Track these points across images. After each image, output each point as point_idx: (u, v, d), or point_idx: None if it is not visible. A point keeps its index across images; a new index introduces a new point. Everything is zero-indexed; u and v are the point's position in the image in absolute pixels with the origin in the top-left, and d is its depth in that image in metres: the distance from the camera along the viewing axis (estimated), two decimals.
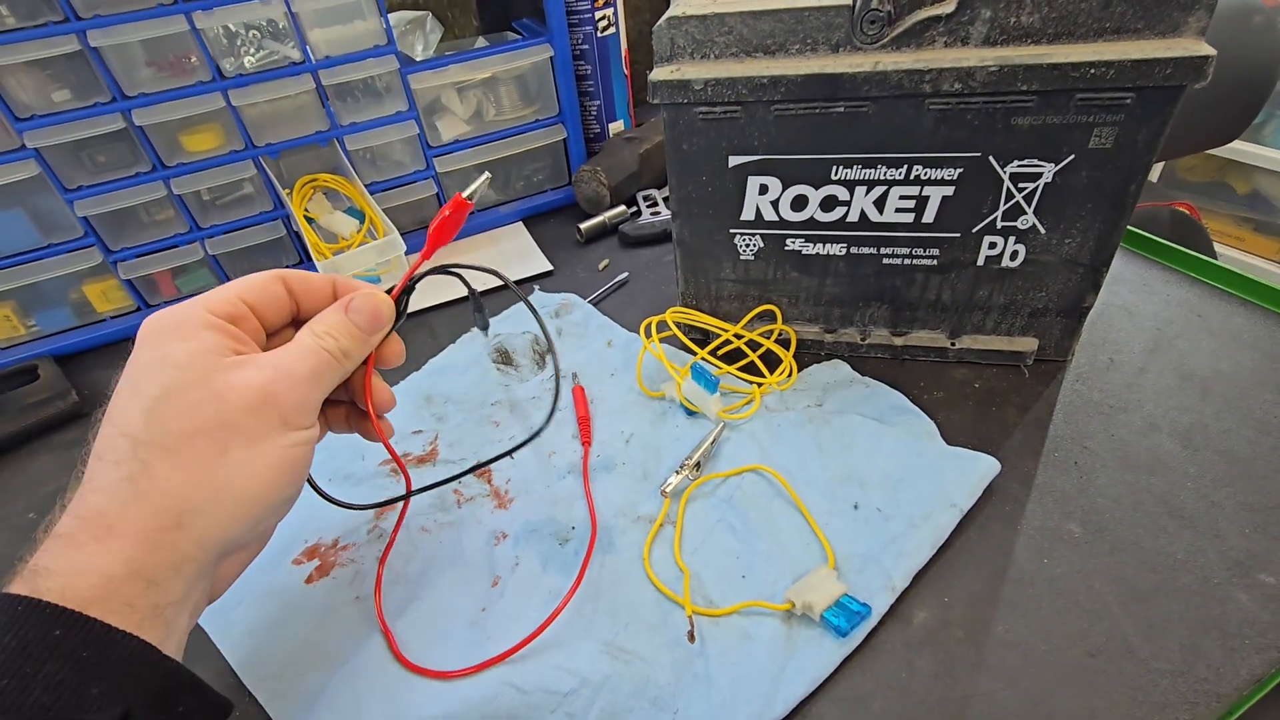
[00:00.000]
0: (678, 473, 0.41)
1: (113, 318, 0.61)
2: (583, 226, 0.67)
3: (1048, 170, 0.38)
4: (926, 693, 0.31)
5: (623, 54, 0.73)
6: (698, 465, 0.41)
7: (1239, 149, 1.50)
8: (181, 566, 0.24)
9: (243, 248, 0.62)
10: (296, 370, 0.27)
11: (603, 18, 0.69)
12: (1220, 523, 0.36)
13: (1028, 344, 0.46)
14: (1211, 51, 0.33)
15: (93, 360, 0.59)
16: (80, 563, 0.23)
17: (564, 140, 0.70)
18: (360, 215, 0.61)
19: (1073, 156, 0.38)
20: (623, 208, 0.69)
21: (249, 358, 0.27)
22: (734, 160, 0.43)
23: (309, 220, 0.59)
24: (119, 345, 0.61)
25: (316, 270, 0.54)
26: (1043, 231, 0.41)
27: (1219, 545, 0.35)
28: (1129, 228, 0.57)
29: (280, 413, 0.26)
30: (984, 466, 0.39)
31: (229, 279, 0.63)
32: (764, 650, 0.32)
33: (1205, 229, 1.28)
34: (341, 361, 0.29)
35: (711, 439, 0.43)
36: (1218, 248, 1.54)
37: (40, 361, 0.56)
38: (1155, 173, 1.65)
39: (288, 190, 0.60)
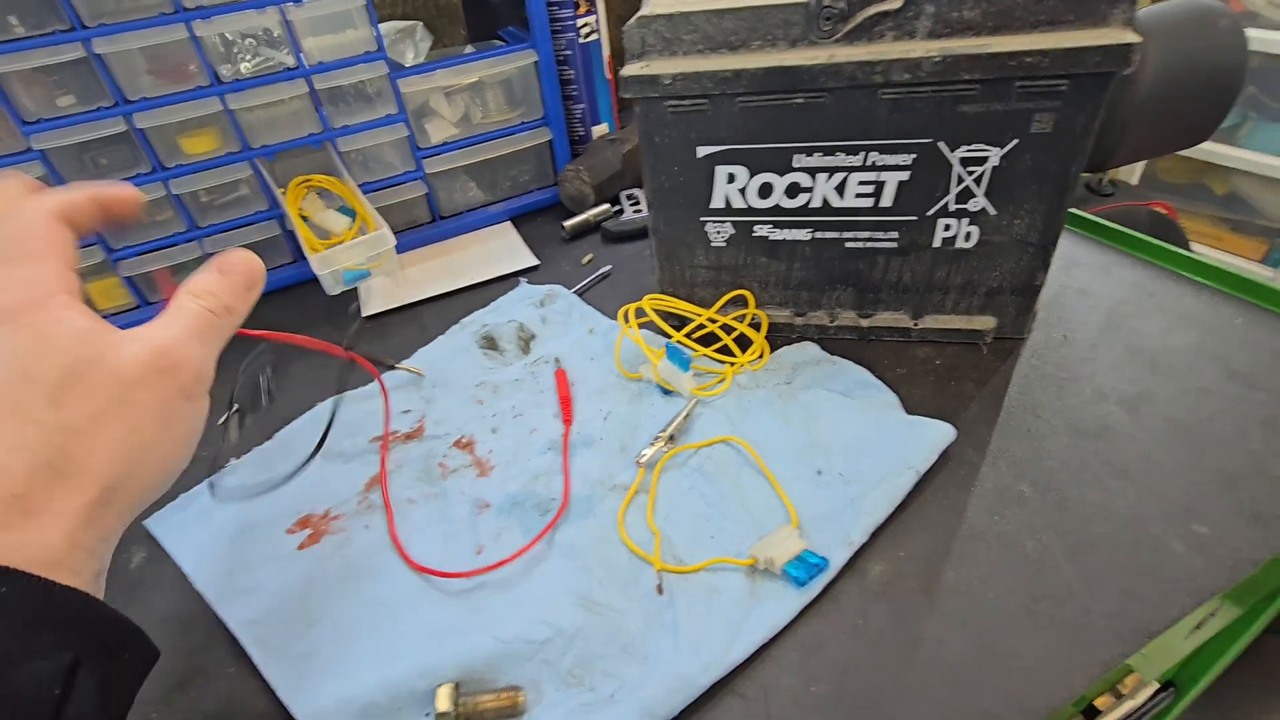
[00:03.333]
0: (652, 445, 0.43)
1: (113, 315, 0.63)
2: (567, 224, 0.69)
3: (994, 154, 0.41)
4: (880, 637, 0.33)
5: (605, 60, 0.76)
6: (671, 438, 0.44)
7: (1216, 151, 1.54)
8: (108, 537, 0.26)
9: (239, 246, 0.64)
10: (183, 338, 0.27)
11: (585, 25, 0.72)
12: (1159, 481, 0.38)
13: (986, 322, 0.48)
14: (1137, 39, 0.36)
15: None
16: (16, 540, 0.23)
17: (549, 142, 0.73)
18: (352, 213, 0.63)
19: (1016, 141, 0.40)
20: (606, 206, 0.71)
21: (133, 333, 0.27)
22: (702, 150, 0.45)
23: (303, 219, 0.62)
24: None
25: (309, 263, 0.57)
26: (993, 213, 0.43)
27: (1158, 501, 0.37)
28: (1087, 216, 0.59)
29: (179, 384, 0.27)
30: (940, 432, 0.41)
31: None
32: (729, 601, 0.34)
33: (1181, 228, 1.31)
34: (225, 318, 0.29)
35: (685, 413, 0.45)
36: (1197, 248, 1.57)
37: None
38: (1135, 174, 1.69)
39: (282, 190, 0.63)
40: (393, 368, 0.54)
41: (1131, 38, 0.36)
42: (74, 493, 0.24)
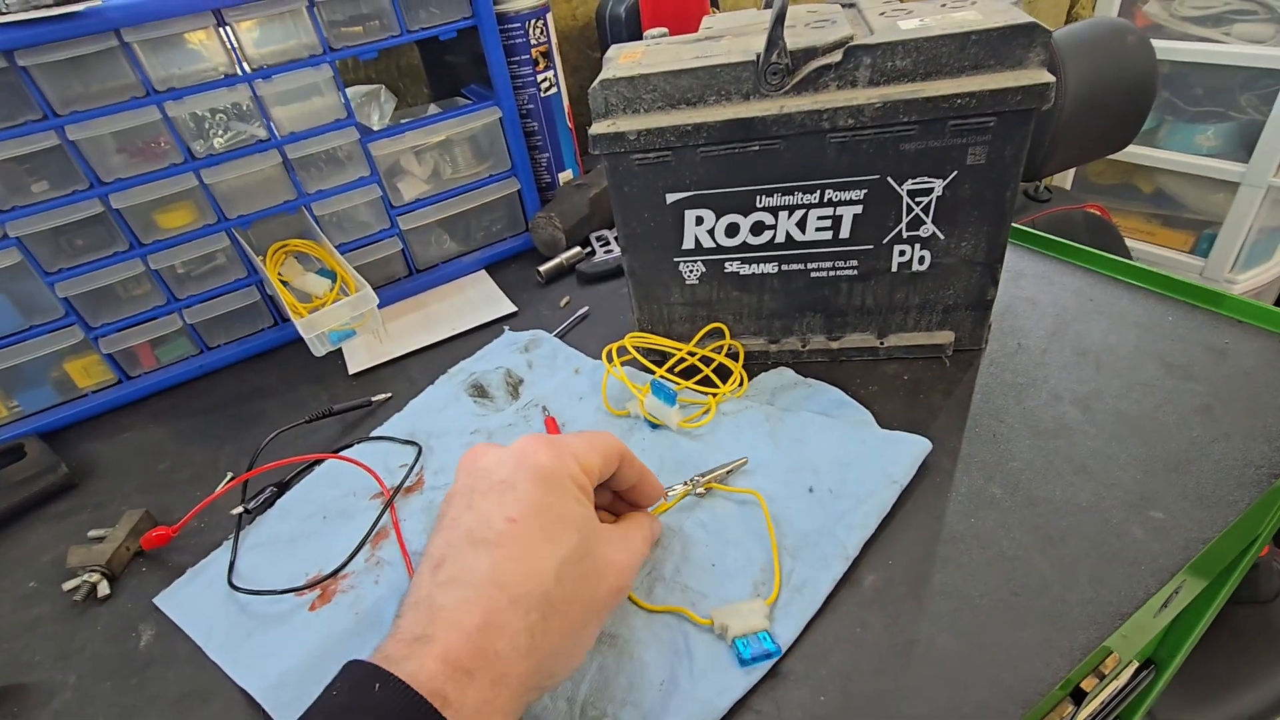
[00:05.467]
0: (684, 484, 0.44)
1: (94, 392, 0.63)
2: (542, 269, 0.72)
3: (938, 185, 0.45)
4: (878, 642, 0.35)
5: (566, 109, 0.80)
6: (696, 482, 0.44)
7: (1139, 153, 1.64)
8: (519, 710, 0.26)
9: (220, 314, 0.65)
10: (636, 564, 0.32)
11: (544, 79, 0.75)
12: (1116, 472, 0.42)
13: (945, 336, 0.52)
14: (1051, 79, 0.40)
15: (77, 434, 0.61)
16: (470, 693, 0.24)
17: (518, 191, 0.76)
18: (332, 275, 0.65)
19: (955, 172, 0.44)
20: (578, 249, 0.74)
21: (617, 534, 0.32)
22: (670, 197, 0.48)
23: (284, 284, 0.63)
24: (102, 418, 0.63)
25: (295, 327, 0.58)
26: (942, 238, 0.47)
27: (1116, 491, 0.41)
28: (1029, 229, 0.64)
29: (620, 598, 0.31)
30: (918, 446, 0.44)
31: (208, 347, 0.67)
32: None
33: (1115, 227, 1.39)
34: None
35: (729, 468, 0.45)
36: (1131, 243, 1.67)
37: (26, 440, 0.58)
38: (1068, 179, 1.79)
39: (261, 257, 0.64)
40: (369, 402, 0.56)
41: (1046, 78, 0.40)
42: (532, 667, 0.27)
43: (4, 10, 0.49)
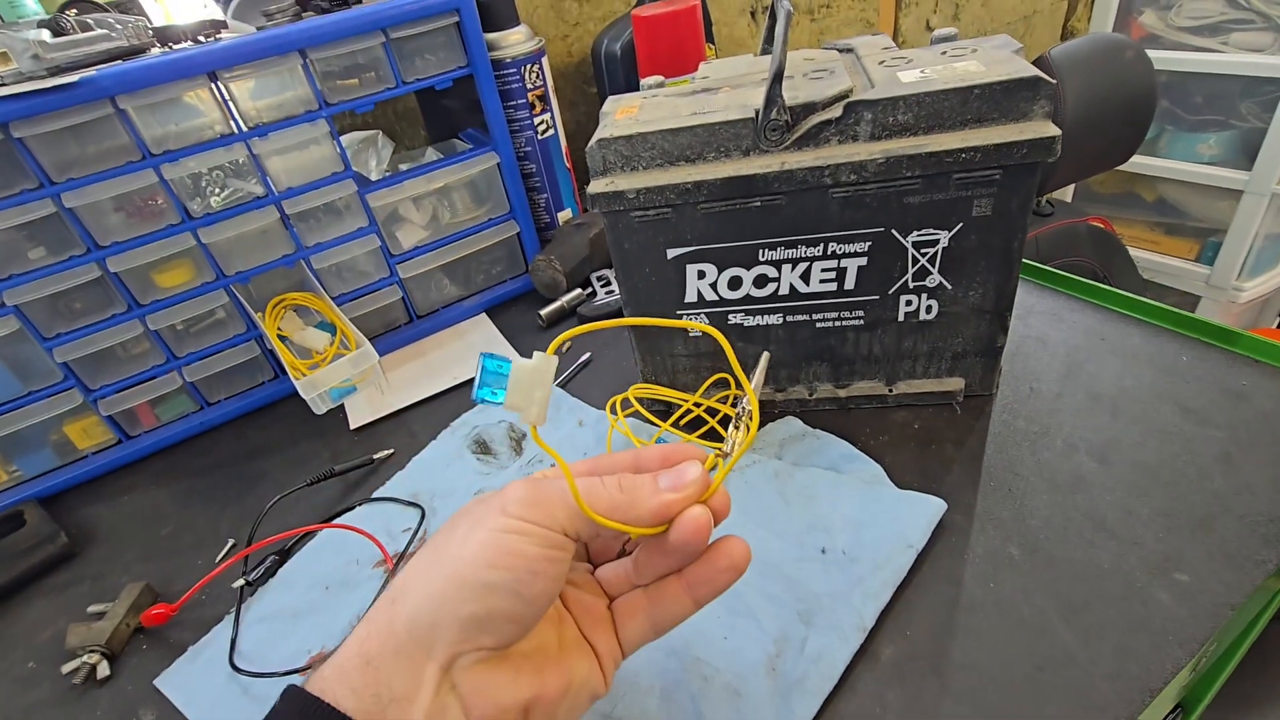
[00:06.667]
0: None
1: (94, 453, 0.63)
2: (543, 313, 0.71)
3: (943, 237, 0.44)
4: None
5: (563, 149, 0.79)
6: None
7: (1142, 162, 1.64)
8: (394, 650, 0.24)
9: (220, 371, 0.64)
10: (536, 476, 0.28)
11: (541, 122, 0.75)
12: (1138, 530, 0.41)
13: (955, 383, 0.51)
14: (1056, 132, 0.39)
15: (77, 498, 0.61)
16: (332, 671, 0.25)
17: (517, 234, 0.75)
18: (332, 328, 0.64)
19: (961, 224, 0.43)
20: (579, 290, 0.73)
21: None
22: (671, 252, 0.48)
23: (282, 339, 0.62)
24: (102, 480, 0.62)
25: (292, 383, 0.57)
26: (949, 287, 0.46)
27: (1139, 551, 0.39)
28: (1037, 265, 0.63)
29: (502, 502, 0.26)
30: (933, 507, 0.43)
31: (208, 403, 0.66)
32: (752, 706, 0.35)
33: (1119, 239, 1.38)
34: (606, 501, 0.27)
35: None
36: (1135, 253, 1.66)
37: (25, 506, 0.57)
38: (1069, 191, 1.78)
39: (260, 313, 0.63)
40: (371, 460, 0.55)
41: (1052, 131, 0.39)
42: (382, 602, 0.26)
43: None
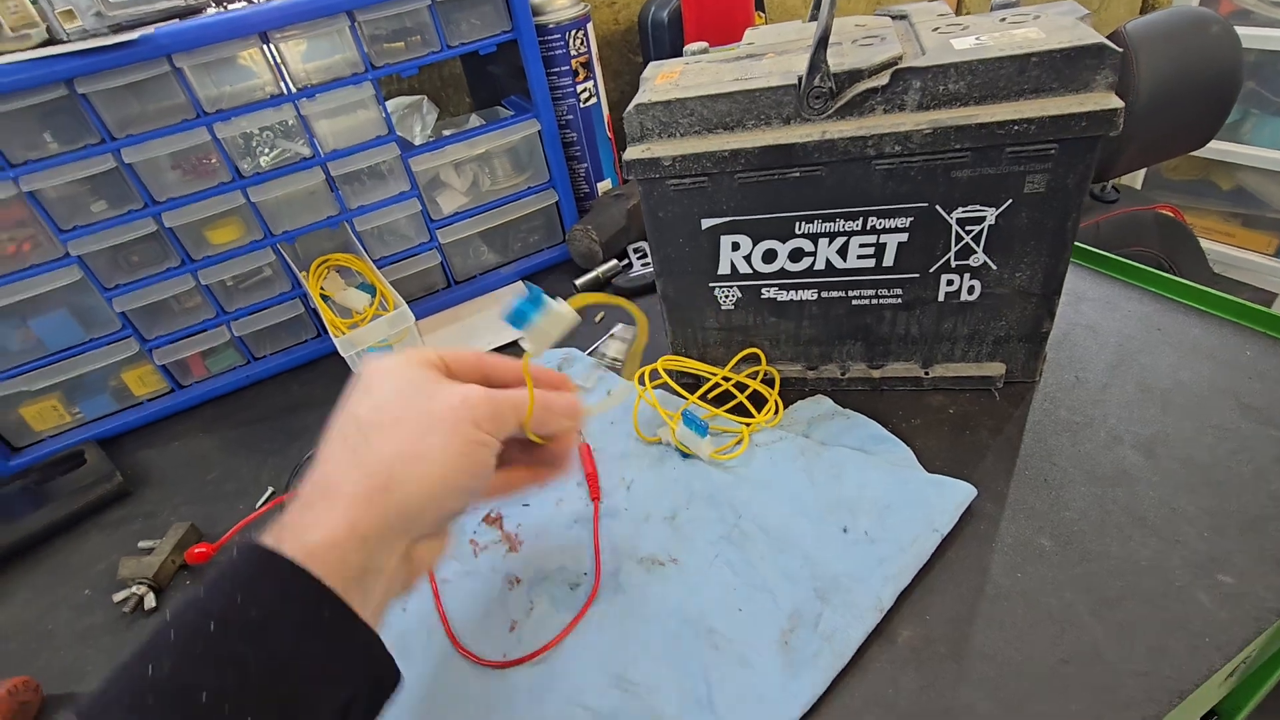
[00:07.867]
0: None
1: (149, 400, 0.66)
2: (578, 283, 0.71)
3: (990, 214, 0.42)
4: (911, 707, 0.33)
5: (605, 119, 0.79)
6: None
7: (1220, 148, 1.53)
8: (386, 532, 0.28)
9: (266, 327, 0.67)
10: (494, 393, 0.32)
11: (584, 90, 0.74)
12: (1181, 528, 0.39)
13: (996, 368, 0.49)
14: (1119, 104, 0.37)
15: (132, 441, 0.64)
16: (309, 518, 0.27)
17: (556, 203, 0.75)
18: (372, 290, 0.66)
19: (1011, 201, 0.41)
20: (615, 261, 0.73)
21: (457, 383, 0.32)
22: (706, 223, 0.47)
23: (324, 298, 0.64)
24: (155, 425, 0.65)
25: (335, 345, 0.59)
26: (994, 267, 0.44)
27: (1181, 550, 0.38)
28: (1089, 248, 0.60)
29: (473, 415, 0.30)
30: (962, 492, 0.42)
31: (254, 358, 0.68)
32: (761, 675, 0.35)
33: (1189, 229, 1.30)
34: (536, 409, 0.33)
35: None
36: (1207, 245, 1.56)
37: (86, 446, 0.61)
38: (1138, 178, 1.69)
39: (304, 272, 0.65)
40: None
41: (1115, 103, 0.37)
42: (361, 474, 0.28)
43: (65, 39, 0.51)
